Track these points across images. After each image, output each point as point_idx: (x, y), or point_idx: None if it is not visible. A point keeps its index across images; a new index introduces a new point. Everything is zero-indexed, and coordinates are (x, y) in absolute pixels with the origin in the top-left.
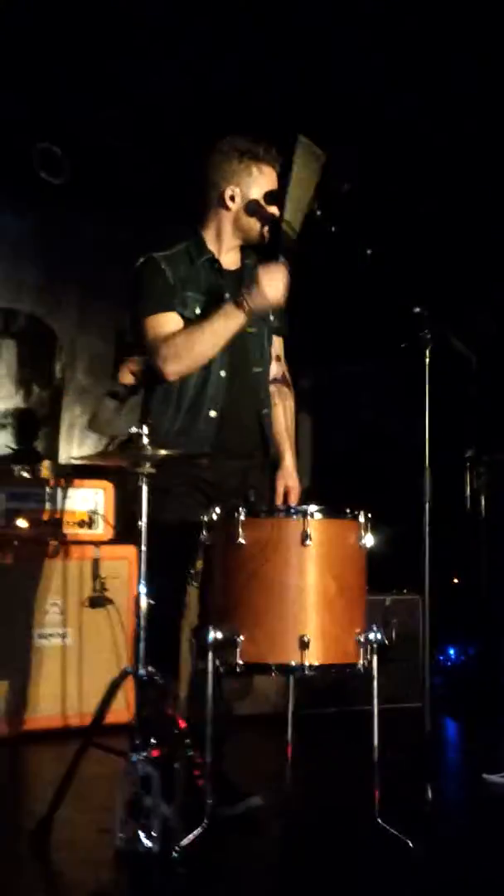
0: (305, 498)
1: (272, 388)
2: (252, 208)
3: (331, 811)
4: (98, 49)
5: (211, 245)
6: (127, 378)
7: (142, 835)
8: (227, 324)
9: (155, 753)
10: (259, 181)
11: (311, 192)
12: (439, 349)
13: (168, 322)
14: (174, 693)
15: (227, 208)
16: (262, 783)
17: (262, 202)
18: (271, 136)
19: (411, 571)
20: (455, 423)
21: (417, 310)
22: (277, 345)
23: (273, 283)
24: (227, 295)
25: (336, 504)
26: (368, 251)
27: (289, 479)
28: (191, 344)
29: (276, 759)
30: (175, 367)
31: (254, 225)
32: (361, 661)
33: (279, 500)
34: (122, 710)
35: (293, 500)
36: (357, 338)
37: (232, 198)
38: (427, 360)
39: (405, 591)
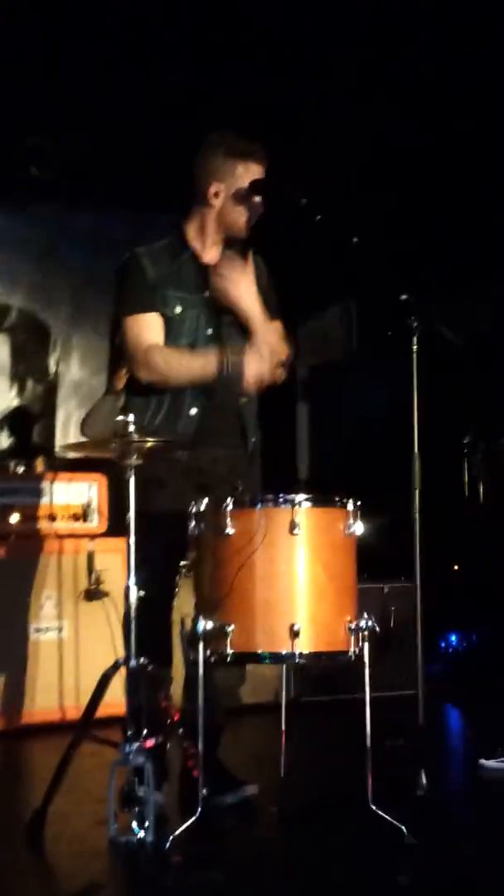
0: (302, 488)
1: None
2: (237, 199)
3: (325, 798)
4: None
5: (194, 240)
6: (122, 383)
7: (135, 825)
8: (204, 370)
9: (148, 744)
10: (243, 179)
11: None
12: (428, 336)
13: (148, 324)
14: (167, 683)
15: (211, 205)
16: (257, 772)
17: (247, 192)
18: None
19: (410, 560)
20: (453, 410)
21: (404, 297)
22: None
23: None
24: (206, 293)
25: (333, 494)
26: (355, 239)
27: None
28: (167, 368)
29: (272, 748)
30: (147, 377)
31: (237, 218)
32: (353, 649)
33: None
34: (119, 702)
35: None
36: (347, 326)
37: (216, 194)
38: (415, 347)
39: (403, 578)
